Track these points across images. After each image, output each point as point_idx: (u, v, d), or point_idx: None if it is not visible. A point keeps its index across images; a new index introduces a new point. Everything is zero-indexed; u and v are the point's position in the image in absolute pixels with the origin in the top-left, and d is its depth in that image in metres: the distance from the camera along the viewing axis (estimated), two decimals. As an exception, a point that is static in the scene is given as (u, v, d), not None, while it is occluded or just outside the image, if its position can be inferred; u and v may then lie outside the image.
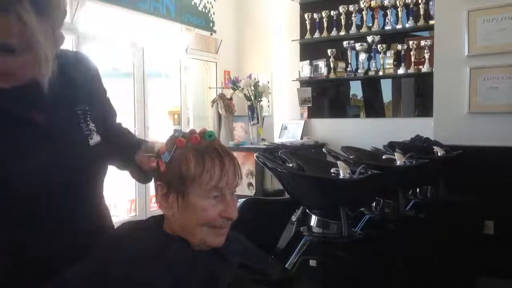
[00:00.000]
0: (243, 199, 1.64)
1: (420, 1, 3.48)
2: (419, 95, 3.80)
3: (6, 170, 0.90)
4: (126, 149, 1.14)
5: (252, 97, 3.79)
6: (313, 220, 1.73)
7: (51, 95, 0.95)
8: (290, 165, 1.81)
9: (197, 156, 0.90)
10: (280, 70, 4.21)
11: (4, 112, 0.91)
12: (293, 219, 2.11)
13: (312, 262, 1.64)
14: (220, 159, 0.90)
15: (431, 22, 3.35)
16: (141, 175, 1.13)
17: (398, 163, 2.11)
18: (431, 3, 3.44)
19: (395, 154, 2.16)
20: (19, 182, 0.91)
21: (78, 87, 1.04)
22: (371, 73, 3.74)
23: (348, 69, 3.85)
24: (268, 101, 4.15)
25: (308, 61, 4.03)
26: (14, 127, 0.92)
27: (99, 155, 1.04)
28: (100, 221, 1.10)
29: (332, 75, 3.92)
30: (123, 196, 3.70)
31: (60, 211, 0.98)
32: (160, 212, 0.97)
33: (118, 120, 1.22)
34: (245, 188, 3.60)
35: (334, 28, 3.90)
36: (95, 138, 1.04)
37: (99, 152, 1.04)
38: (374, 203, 2.17)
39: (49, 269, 0.89)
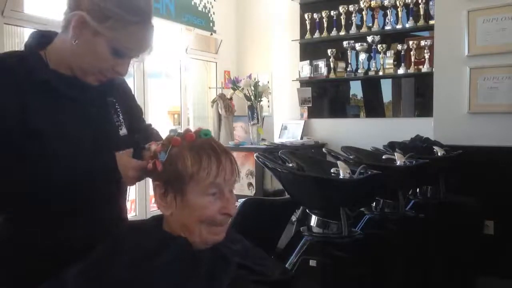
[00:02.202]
0: (243, 199, 1.65)
1: (420, 1, 3.47)
2: (419, 95, 3.80)
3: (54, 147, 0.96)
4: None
5: (252, 97, 3.79)
6: (313, 220, 1.73)
7: (90, 86, 1.05)
8: (290, 165, 1.81)
9: (193, 154, 0.90)
10: (280, 70, 4.20)
11: (62, 96, 1.00)
12: (293, 219, 2.11)
13: (312, 262, 1.64)
14: (217, 156, 0.90)
15: (431, 22, 3.35)
16: None
17: (398, 163, 2.11)
18: (431, 3, 3.44)
19: (395, 154, 2.16)
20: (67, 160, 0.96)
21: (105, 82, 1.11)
22: (371, 73, 3.74)
23: (348, 69, 3.85)
24: (268, 101, 4.14)
25: (308, 61, 4.03)
26: (65, 109, 1.00)
27: (127, 146, 1.09)
28: (124, 214, 1.16)
29: (332, 75, 3.92)
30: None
31: (96, 195, 1.02)
32: (160, 212, 0.97)
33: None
34: (245, 188, 3.60)
35: (334, 28, 3.90)
36: (124, 130, 1.11)
37: (127, 143, 1.08)
38: (374, 203, 2.17)
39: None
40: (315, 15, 3.96)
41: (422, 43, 3.48)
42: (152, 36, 1.04)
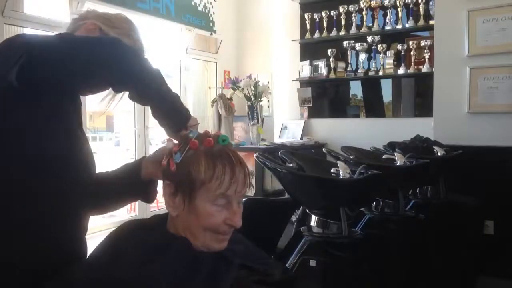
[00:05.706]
0: (243, 199, 1.64)
1: (420, 1, 3.48)
2: (419, 95, 3.80)
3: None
4: (119, 172, 1.16)
5: (252, 97, 3.80)
6: (313, 220, 1.73)
7: None
8: (290, 165, 1.81)
9: (208, 161, 0.89)
10: (280, 70, 4.20)
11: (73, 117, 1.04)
12: (293, 219, 2.11)
13: (312, 262, 1.64)
14: (231, 167, 0.90)
15: (431, 22, 3.35)
16: (141, 193, 1.13)
17: (398, 163, 2.11)
18: (431, 3, 3.44)
19: (395, 154, 2.16)
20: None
21: None
22: (371, 73, 3.74)
23: (348, 69, 3.85)
24: (268, 101, 4.15)
25: (308, 61, 4.03)
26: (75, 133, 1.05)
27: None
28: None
29: (332, 75, 3.92)
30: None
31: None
32: (160, 211, 0.97)
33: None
34: (245, 188, 3.59)
35: (334, 28, 3.90)
36: None
37: None
38: (374, 203, 2.17)
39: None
40: (315, 15, 3.96)
41: (422, 43, 3.48)
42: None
